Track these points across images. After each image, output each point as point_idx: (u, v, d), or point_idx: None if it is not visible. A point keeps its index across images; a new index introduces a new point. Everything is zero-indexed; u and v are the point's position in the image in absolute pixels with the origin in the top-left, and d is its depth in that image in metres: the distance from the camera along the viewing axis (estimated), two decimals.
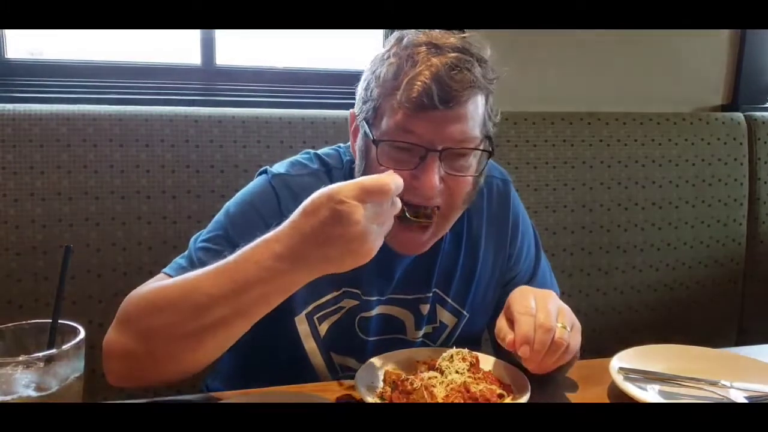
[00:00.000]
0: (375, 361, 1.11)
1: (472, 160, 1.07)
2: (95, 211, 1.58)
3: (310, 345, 1.18)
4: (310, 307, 1.16)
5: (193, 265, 1.03)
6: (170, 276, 1.03)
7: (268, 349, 1.16)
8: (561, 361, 1.00)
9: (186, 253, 1.10)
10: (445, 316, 1.24)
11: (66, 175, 1.56)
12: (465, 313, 1.25)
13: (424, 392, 0.97)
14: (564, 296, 1.97)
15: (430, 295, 1.21)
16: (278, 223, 0.88)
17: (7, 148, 1.54)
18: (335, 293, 1.17)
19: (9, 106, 1.56)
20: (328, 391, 1.07)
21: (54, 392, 0.73)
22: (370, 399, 0.99)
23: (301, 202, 0.87)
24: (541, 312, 0.96)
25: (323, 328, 1.18)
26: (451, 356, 1.05)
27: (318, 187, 0.86)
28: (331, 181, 1.06)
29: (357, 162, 1.13)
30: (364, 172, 1.09)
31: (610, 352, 1.23)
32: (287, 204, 1.08)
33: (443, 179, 1.04)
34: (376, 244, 0.84)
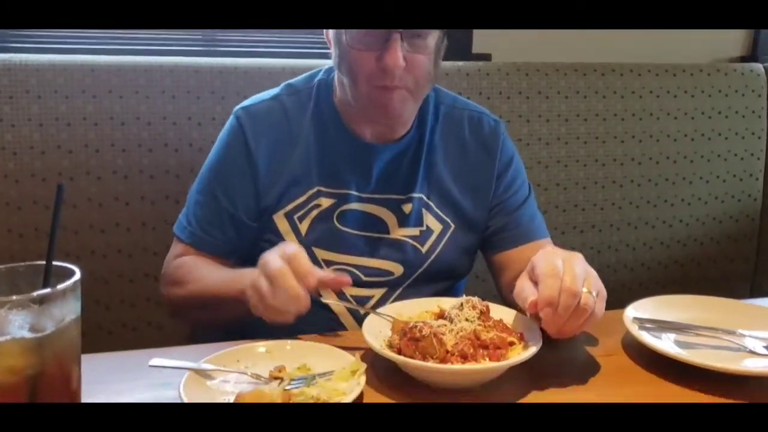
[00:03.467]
0: (382, 310, 1.08)
1: (430, 41, 1.15)
2: (96, 165, 1.55)
3: (292, 242, 1.18)
4: (288, 207, 1.23)
5: (190, 224, 1.25)
6: (180, 239, 1.26)
7: (257, 253, 1.17)
8: (583, 327, 0.97)
9: (184, 210, 1.28)
10: (432, 222, 1.27)
11: (65, 128, 1.52)
12: (450, 223, 1.28)
13: (433, 339, 0.94)
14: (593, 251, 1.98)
15: (415, 197, 1.26)
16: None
17: (3, 100, 1.50)
18: (309, 193, 1.23)
19: (4, 56, 1.51)
20: (329, 340, 1.04)
21: (49, 334, 0.71)
22: (378, 347, 0.96)
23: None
24: (567, 275, 0.93)
25: (303, 227, 1.23)
26: (461, 304, 1.02)
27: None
28: (293, 103, 1.26)
29: (333, 56, 1.22)
30: (339, 62, 1.19)
31: (623, 308, 1.20)
32: (251, 133, 1.23)
33: (405, 58, 1.11)
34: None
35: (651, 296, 1.18)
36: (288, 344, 1.03)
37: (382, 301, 1.24)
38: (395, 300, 1.24)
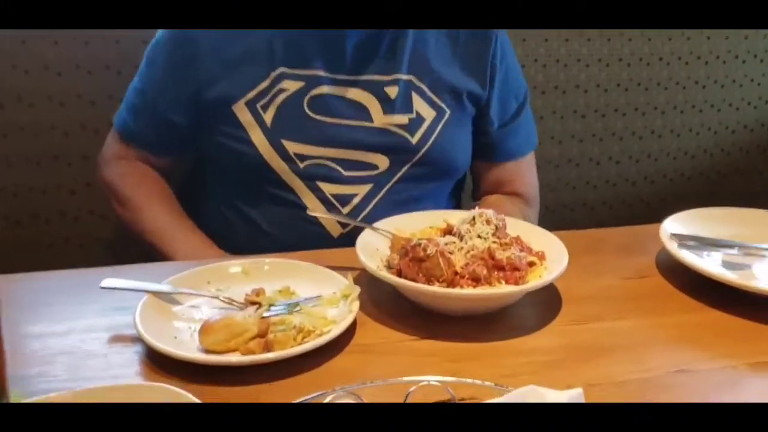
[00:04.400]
0: (379, 224, 0.92)
1: None
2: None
3: (257, 136, 1.06)
4: (249, 95, 1.06)
5: (127, 118, 1.15)
6: (118, 133, 1.16)
7: (221, 159, 1.10)
8: None
9: (123, 104, 1.16)
10: (423, 108, 1.11)
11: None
12: (445, 108, 1.12)
13: (440, 259, 0.79)
14: (591, 162, 1.81)
15: (401, 78, 1.09)
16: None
17: None
18: (271, 76, 1.06)
19: None
20: (317, 258, 0.89)
21: None
22: (374, 268, 0.81)
23: None
24: None
25: (268, 116, 1.06)
26: (473, 218, 0.86)
27: None
28: None
29: None
30: None
31: (641, 223, 1.07)
32: None
33: None
34: None
35: (670, 209, 1.02)
36: (266, 263, 0.88)
37: (366, 200, 1.10)
38: (382, 199, 1.10)
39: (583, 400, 0.51)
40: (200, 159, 1.17)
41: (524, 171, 1.23)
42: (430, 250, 0.78)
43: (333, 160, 1.08)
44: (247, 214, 1.12)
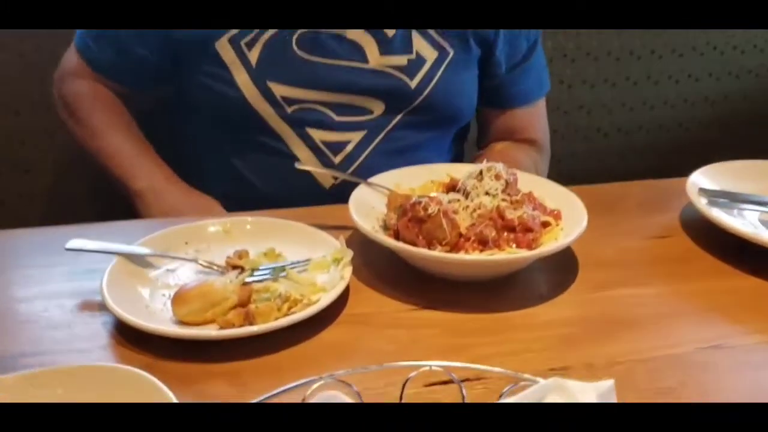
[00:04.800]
0: (375, 179, 0.83)
1: None
2: None
3: (241, 77, 0.96)
4: (233, 30, 0.96)
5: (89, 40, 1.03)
6: (78, 51, 1.05)
7: (202, 102, 1.01)
8: None
9: None
10: (424, 48, 1.00)
11: None
12: (448, 49, 1.01)
13: (443, 220, 0.70)
14: (604, 109, 1.69)
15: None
16: None
17: None
18: None
19: None
20: (306, 217, 0.80)
21: None
22: (369, 229, 0.72)
23: None
24: None
25: (253, 55, 0.96)
26: (480, 173, 0.76)
27: None
28: None
29: None
30: None
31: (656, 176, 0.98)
32: None
33: None
34: None
35: (686, 161, 0.93)
36: (248, 222, 0.79)
37: (360, 148, 1.01)
38: (377, 147, 1.01)
39: (614, 396, 0.43)
40: (181, 103, 1.07)
41: (535, 118, 1.13)
42: (432, 209, 0.70)
43: (323, 104, 0.98)
44: (231, 163, 1.04)
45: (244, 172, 1.03)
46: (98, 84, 1.05)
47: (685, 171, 0.91)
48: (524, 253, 0.70)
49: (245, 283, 0.68)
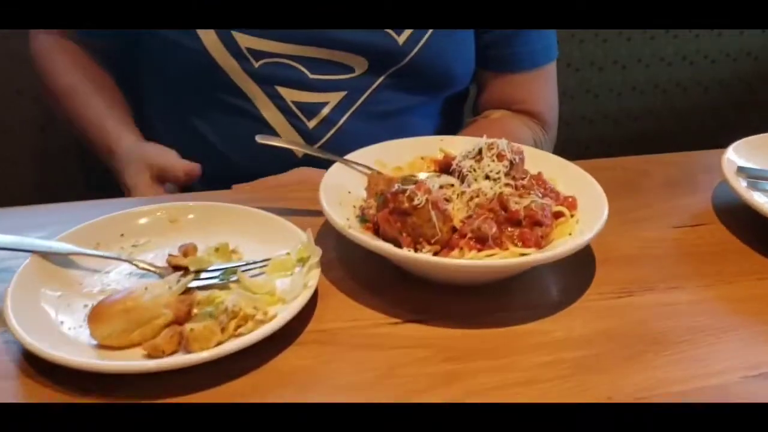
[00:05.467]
0: (353, 156, 0.69)
1: None
2: None
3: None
4: None
5: None
6: None
7: (161, 55, 0.89)
8: None
9: None
10: None
11: None
12: None
13: (432, 213, 0.56)
14: (612, 93, 1.53)
15: None
16: None
17: None
18: None
19: None
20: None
21: None
22: (342, 224, 0.58)
23: None
24: None
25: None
26: (479, 151, 0.63)
27: None
28: None
29: None
30: None
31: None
32: None
33: None
34: None
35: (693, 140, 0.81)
36: (191, 209, 0.65)
37: (339, 111, 0.88)
38: (358, 110, 0.88)
39: None
40: (139, 58, 0.93)
41: (540, 87, 0.97)
42: (419, 199, 0.56)
43: (296, 58, 0.85)
44: (194, 127, 0.91)
45: (209, 136, 0.90)
46: (63, 38, 0.95)
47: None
48: (532, 256, 0.56)
49: (188, 290, 0.55)
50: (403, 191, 0.57)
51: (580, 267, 0.63)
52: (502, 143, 0.62)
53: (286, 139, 0.85)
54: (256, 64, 0.85)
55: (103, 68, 0.96)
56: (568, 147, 1.30)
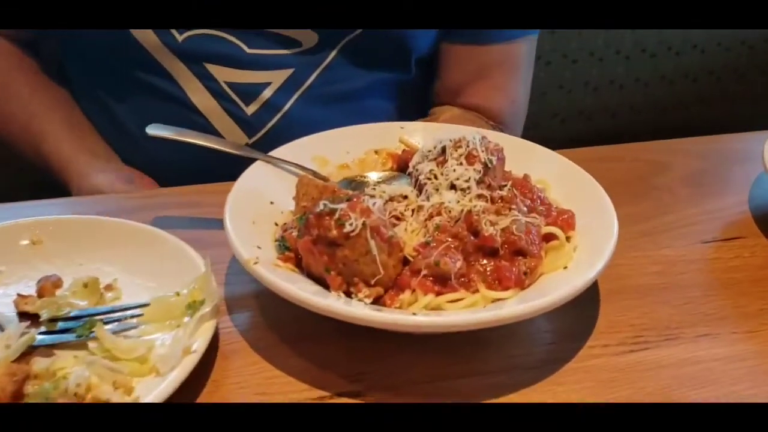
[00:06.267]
0: (282, 151, 0.53)
1: None
2: None
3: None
4: None
5: None
6: None
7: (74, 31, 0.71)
8: None
9: None
10: None
11: None
12: None
13: (370, 243, 0.40)
14: (613, 85, 1.32)
15: None
16: None
17: None
18: None
19: None
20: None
21: None
22: (251, 253, 0.42)
23: None
24: None
25: None
26: (442, 150, 0.46)
27: None
28: None
29: None
30: None
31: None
32: None
33: None
34: None
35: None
36: (69, 225, 0.49)
37: (283, 93, 0.73)
38: (307, 92, 0.73)
39: None
40: (59, 38, 0.78)
41: (506, 70, 0.78)
42: (352, 224, 0.39)
43: (229, 30, 0.69)
44: (113, 110, 0.75)
45: (127, 122, 0.74)
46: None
47: None
48: (508, 309, 0.40)
49: (29, 350, 0.40)
50: (331, 212, 0.40)
51: (577, 306, 0.46)
52: (474, 139, 0.46)
53: (180, 131, 0.64)
54: (180, 38, 0.69)
55: (32, 59, 0.79)
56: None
